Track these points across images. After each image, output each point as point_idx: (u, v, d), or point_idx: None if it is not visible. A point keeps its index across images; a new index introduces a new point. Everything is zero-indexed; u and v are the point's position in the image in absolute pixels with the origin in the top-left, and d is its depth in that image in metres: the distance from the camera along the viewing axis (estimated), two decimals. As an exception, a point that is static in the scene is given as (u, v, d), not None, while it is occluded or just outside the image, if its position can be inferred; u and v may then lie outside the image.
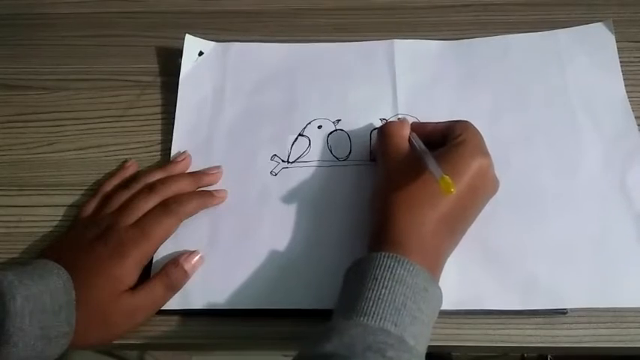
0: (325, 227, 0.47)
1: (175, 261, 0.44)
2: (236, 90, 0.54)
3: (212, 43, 0.57)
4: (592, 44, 0.54)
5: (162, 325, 0.44)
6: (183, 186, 0.47)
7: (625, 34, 0.55)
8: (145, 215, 0.45)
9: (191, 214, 0.46)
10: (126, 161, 0.51)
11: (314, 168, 0.50)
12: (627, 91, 0.52)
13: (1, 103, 0.56)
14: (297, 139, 0.51)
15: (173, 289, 0.44)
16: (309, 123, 0.52)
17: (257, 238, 0.46)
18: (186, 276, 0.44)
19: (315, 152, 0.51)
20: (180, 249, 0.46)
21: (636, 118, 0.50)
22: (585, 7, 0.58)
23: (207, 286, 0.45)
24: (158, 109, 0.54)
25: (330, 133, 0.51)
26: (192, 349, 0.77)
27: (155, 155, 0.52)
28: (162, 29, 0.59)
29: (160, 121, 0.53)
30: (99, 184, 0.50)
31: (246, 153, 0.51)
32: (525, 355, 0.88)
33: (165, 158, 0.51)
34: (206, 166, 0.50)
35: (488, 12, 0.58)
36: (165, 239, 0.45)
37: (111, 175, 0.50)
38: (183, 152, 0.50)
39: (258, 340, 0.44)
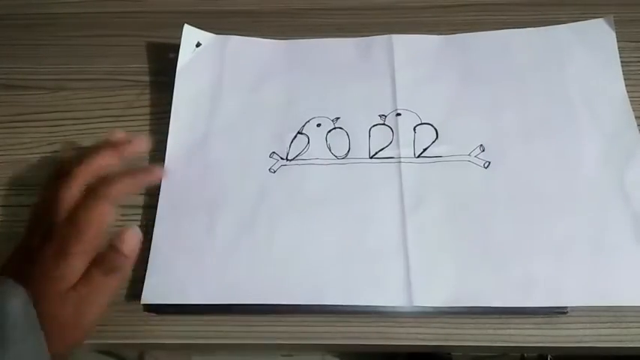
0: (324, 225, 0.47)
1: (109, 243, 0.40)
2: (234, 84, 0.54)
3: (210, 35, 0.57)
4: (592, 40, 0.54)
5: (162, 325, 0.44)
6: (102, 160, 0.43)
7: (625, 34, 0.55)
8: (76, 208, 0.41)
9: (125, 194, 0.43)
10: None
11: (313, 166, 0.50)
12: (627, 91, 0.52)
13: (1, 103, 0.56)
14: (295, 136, 0.51)
15: (114, 272, 0.40)
16: (308, 121, 0.52)
17: (255, 235, 0.46)
18: (124, 257, 0.40)
19: (314, 150, 0.50)
20: (179, 245, 0.46)
21: (636, 118, 0.50)
22: (585, 7, 0.58)
23: (205, 282, 0.44)
24: (157, 109, 0.54)
25: (329, 131, 0.51)
26: (192, 349, 0.77)
27: (155, 155, 0.52)
28: (162, 29, 0.59)
29: (159, 121, 0.53)
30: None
31: (244, 150, 0.51)
32: (525, 355, 0.88)
33: (164, 157, 0.51)
34: (204, 163, 0.50)
35: (488, 12, 0.59)
36: (106, 226, 0.41)
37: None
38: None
39: (258, 341, 0.44)
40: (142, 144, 0.46)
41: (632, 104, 0.51)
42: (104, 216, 0.41)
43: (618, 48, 0.53)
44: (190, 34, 0.56)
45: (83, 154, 0.44)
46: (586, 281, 0.43)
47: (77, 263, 0.40)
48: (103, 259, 0.40)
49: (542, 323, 0.43)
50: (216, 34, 0.57)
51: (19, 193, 0.51)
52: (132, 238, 0.41)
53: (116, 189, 0.42)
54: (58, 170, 0.44)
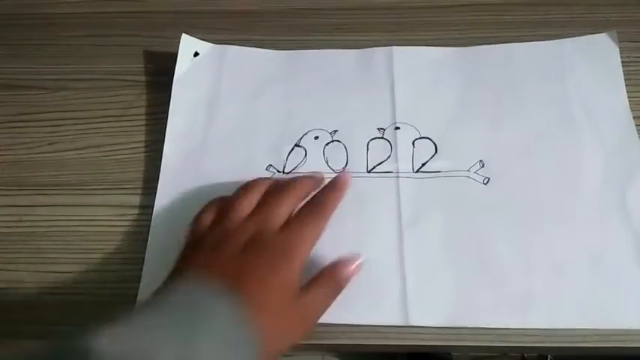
0: (319, 241, 0.45)
1: (336, 264, 0.41)
2: (231, 95, 0.54)
3: (208, 45, 0.56)
4: (595, 55, 0.53)
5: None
6: (311, 187, 0.45)
7: (625, 34, 0.55)
8: (294, 220, 0.42)
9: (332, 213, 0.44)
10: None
11: None
12: (627, 91, 0.51)
13: (1, 103, 0.56)
14: (293, 149, 0.51)
15: (337, 291, 0.41)
16: (306, 134, 0.51)
17: None
18: (347, 279, 0.41)
19: (311, 163, 0.50)
20: (174, 256, 0.45)
21: (636, 118, 0.50)
22: (585, 7, 0.58)
23: None
24: (158, 109, 0.54)
25: (327, 144, 0.51)
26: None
27: (155, 155, 0.52)
28: (162, 29, 0.59)
29: (159, 121, 0.53)
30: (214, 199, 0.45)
31: (241, 162, 0.50)
32: (525, 355, 0.88)
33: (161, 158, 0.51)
34: (199, 174, 0.49)
35: (488, 12, 0.58)
36: (316, 243, 0.42)
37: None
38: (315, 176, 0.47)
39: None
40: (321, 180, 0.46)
41: (631, 105, 0.51)
42: (319, 232, 0.42)
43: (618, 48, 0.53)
44: (188, 44, 0.56)
45: (293, 178, 0.45)
46: (586, 303, 0.42)
47: (295, 272, 0.39)
48: (332, 274, 0.41)
49: (542, 323, 0.43)
50: (216, 33, 0.57)
51: (19, 193, 0.51)
52: (355, 267, 0.42)
53: (331, 208, 0.43)
54: (273, 185, 0.45)
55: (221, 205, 0.44)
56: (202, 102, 0.53)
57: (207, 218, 0.43)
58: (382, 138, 0.51)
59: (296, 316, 0.39)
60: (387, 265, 0.45)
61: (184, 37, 0.56)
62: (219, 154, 0.51)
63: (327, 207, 0.43)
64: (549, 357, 0.82)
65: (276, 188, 0.44)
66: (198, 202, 0.48)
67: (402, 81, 0.53)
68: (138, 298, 0.44)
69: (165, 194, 0.49)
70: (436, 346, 0.43)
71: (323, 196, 0.44)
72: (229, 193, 0.48)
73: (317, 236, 0.42)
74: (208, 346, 0.32)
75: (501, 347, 0.43)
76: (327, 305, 0.41)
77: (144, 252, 0.46)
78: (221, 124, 0.52)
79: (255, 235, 0.40)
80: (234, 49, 0.56)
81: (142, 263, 0.46)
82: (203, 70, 0.55)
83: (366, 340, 0.43)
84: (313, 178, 0.46)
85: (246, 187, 0.44)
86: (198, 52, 0.56)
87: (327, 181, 0.46)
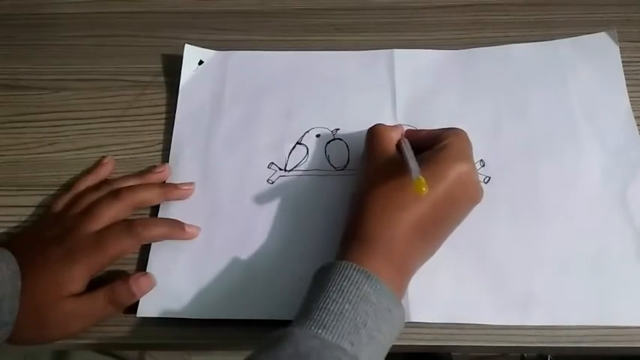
0: (321, 237, 0.46)
1: (125, 279, 0.43)
2: (235, 97, 0.54)
3: (212, 52, 0.56)
4: (595, 54, 0.54)
5: (160, 326, 0.44)
6: (150, 196, 0.47)
7: (625, 34, 0.55)
8: (108, 228, 0.44)
9: (154, 241, 0.46)
10: (104, 157, 0.51)
11: (311, 177, 0.49)
12: (628, 91, 0.51)
13: (1, 103, 0.56)
14: (294, 147, 0.51)
15: (116, 305, 0.43)
16: (308, 131, 0.51)
17: (251, 247, 0.46)
18: (132, 297, 0.43)
19: (313, 161, 0.50)
20: (176, 257, 0.46)
21: (636, 118, 0.50)
22: (585, 7, 0.58)
23: (202, 296, 0.44)
24: (158, 109, 0.54)
25: (329, 142, 0.51)
26: (191, 349, 0.76)
27: (155, 155, 0.52)
28: (162, 29, 0.59)
29: (159, 121, 0.53)
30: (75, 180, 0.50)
31: (243, 160, 0.50)
32: (525, 355, 0.88)
33: (165, 159, 0.51)
34: (203, 174, 0.50)
35: (488, 12, 0.59)
36: (121, 257, 0.45)
37: (88, 171, 0.50)
38: (163, 165, 0.50)
39: (255, 342, 0.44)
40: (189, 192, 0.49)
41: (632, 104, 0.51)
42: (127, 249, 0.44)
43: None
44: (191, 53, 0.56)
45: (137, 184, 0.48)
46: (586, 300, 0.42)
47: (78, 274, 0.42)
48: (114, 289, 0.42)
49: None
50: (217, 33, 0.57)
51: (19, 193, 0.50)
52: (145, 282, 0.43)
53: (149, 234, 0.45)
54: (104, 179, 0.49)
55: (72, 197, 0.48)
56: (207, 106, 0.54)
57: (58, 205, 0.47)
58: None
59: (55, 316, 0.42)
60: None
61: (187, 47, 0.56)
62: (222, 153, 0.51)
63: (147, 233, 0.45)
64: (549, 357, 0.82)
65: (112, 191, 0.47)
66: (201, 202, 0.48)
67: (403, 82, 0.53)
68: (139, 309, 0.44)
69: None
70: (436, 346, 0.43)
71: (154, 223, 0.46)
72: (231, 192, 0.48)
73: (121, 252, 0.44)
74: None
75: (501, 347, 0.43)
76: (100, 316, 0.43)
77: (147, 252, 0.46)
78: (225, 125, 0.52)
79: (66, 231, 0.45)
80: (238, 54, 0.56)
81: (146, 264, 0.46)
82: (207, 77, 0.55)
83: (366, 340, 0.43)
84: (160, 191, 0.48)
85: None
86: (202, 60, 0.56)
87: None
